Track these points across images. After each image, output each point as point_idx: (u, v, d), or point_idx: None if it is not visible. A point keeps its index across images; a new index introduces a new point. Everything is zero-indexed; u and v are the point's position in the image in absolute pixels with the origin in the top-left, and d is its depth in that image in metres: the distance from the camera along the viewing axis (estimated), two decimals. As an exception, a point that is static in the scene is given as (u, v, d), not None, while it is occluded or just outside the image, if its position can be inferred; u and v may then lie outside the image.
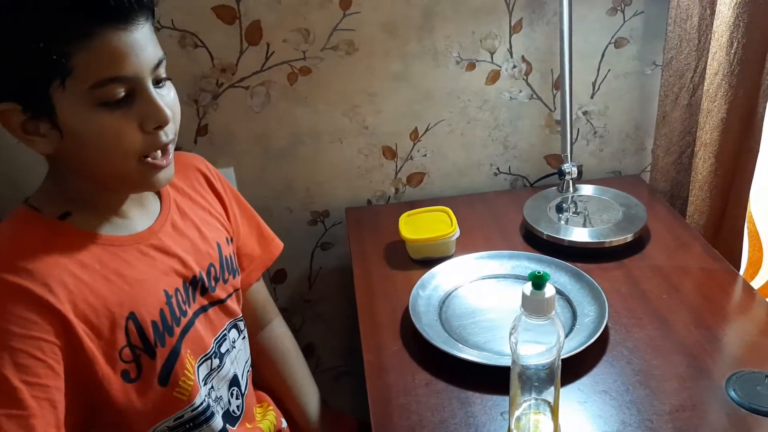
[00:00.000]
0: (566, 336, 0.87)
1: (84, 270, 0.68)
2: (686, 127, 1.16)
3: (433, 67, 1.19)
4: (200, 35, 1.10)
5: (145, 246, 0.75)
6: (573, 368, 0.82)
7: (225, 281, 0.85)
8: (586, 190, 1.21)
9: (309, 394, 1.02)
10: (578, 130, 1.28)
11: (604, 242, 1.06)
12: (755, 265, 1.19)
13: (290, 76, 1.16)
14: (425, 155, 1.27)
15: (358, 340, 0.92)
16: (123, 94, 0.65)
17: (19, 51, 0.61)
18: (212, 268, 0.82)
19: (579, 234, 1.08)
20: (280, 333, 1.03)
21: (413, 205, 1.21)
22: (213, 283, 0.82)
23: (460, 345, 0.88)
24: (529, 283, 0.65)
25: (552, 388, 0.70)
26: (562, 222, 1.12)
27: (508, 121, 1.26)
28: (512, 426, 0.73)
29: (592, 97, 1.26)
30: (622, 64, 1.23)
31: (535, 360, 0.67)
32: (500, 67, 1.21)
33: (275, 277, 1.34)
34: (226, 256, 0.85)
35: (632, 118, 1.29)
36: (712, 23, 1.02)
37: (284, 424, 0.99)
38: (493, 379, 0.80)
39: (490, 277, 1.03)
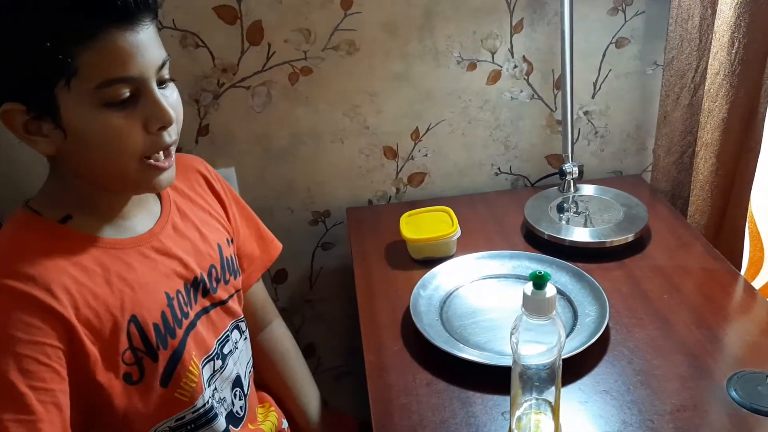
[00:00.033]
0: (567, 336, 0.87)
1: (85, 274, 0.69)
2: (687, 127, 1.16)
3: (434, 67, 1.19)
4: (201, 35, 1.10)
5: (146, 248, 0.75)
6: (574, 368, 0.82)
7: (226, 282, 0.85)
8: (587, 190, 1.21)
9: (309, 394, 1.02)
10: (579, 130, 1.28)
11: (605, 242, 1.06)
12: (756, 265, 1.19)
13: (291, 76, 1.16)
14: (426, 155, 1.27)
15: (359, 340, 0.92)
16: (128, 94, 0.65)
17: (24, 51, 0.61)
18: (213, 269, 0.82)
19: (580, 234, 1.08)
20: (280, 334, 1.03)
21: (414, 205, 1.21)
22: (214, 284, 0.82)
23: (461, 345, 0.88)
24: (530, 283, 0.65)
25: (553, 388, 0.70)
26: (563, 222, 1.12)
27: (509, 121, 1.26)
28: (513, 426, 0.73)
29: (593, 97, 1.26)
30: (623, 63, 1.23)
31: (536, 360, 0.67)
32: (501, 67, 1.20)
33: (276, 277, 1.34)
34: (226, 257, 0.85)
35: (633, 118, 1.29)
36: (714, 23, 1.02)
37: (285, 424, 0.99)
38: (494, 379, 0.80)
39: (491, 277, 1.03)
